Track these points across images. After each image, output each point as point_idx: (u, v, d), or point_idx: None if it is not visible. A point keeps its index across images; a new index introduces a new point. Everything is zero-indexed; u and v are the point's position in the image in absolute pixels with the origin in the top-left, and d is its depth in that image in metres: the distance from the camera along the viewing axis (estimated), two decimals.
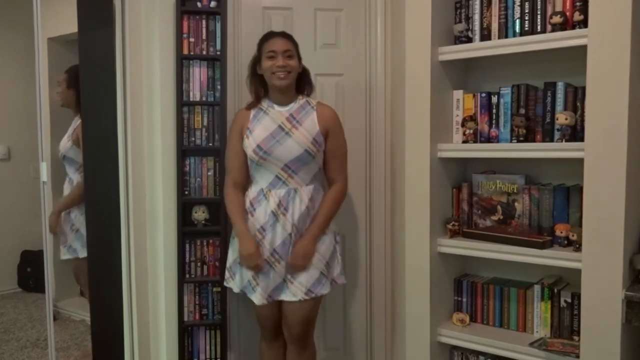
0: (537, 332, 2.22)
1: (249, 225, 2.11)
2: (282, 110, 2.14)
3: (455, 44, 2.27)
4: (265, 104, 2.17)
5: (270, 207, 2.07)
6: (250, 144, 2.10)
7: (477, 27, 2.22)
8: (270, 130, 2.09)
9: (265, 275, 2.08)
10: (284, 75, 2.06)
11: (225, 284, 2.24)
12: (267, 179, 2.10)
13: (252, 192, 2.14)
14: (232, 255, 2.18)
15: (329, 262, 2.14)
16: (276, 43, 2.08)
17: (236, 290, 2.18)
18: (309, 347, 2.23)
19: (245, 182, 2.17)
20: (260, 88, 2.18)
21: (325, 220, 2.12)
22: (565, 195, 2.11)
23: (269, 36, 2.13)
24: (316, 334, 2.32)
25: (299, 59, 2.13)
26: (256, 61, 2.15)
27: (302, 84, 2.19)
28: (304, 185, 2.11)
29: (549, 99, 2.08)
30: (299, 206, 2.08)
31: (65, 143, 2.80)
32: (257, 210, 2.10)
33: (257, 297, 2.10)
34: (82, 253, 2.80)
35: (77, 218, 2.80)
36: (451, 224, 2.32)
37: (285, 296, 2.11)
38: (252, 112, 2.16)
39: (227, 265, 2.21)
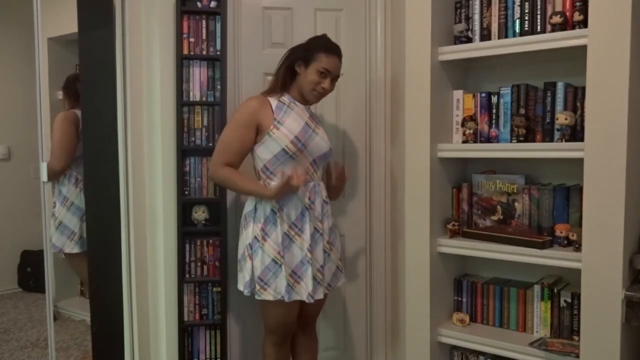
0: (537, 332, 2.22)
1: (280, 222, 2.02)
2: (304, 108, 2.14)
3: (455, 44, 2.27)
4: (286, 98, 2.11)
5: (302, 201, 2.05)
6: (285, 135, 2.01)
7: (477, 27, 2.22)
8: (302, 124, 2.06)
9: (304, 272, 2.03)
10: (321, 97, 2.10)
11: (257, 297, 2.04)
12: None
13: None
14: (263, 263, 2.03)
15: (340, 255, 2.23)
16: (333, 63, 2.05)
17: (277, 297, 2.02)
18: (315, 333, 2.35)
19: (235, 168, 2.07)
20: (288, 81, 2.12)
21: None
22: (565, 195, 2.11)
23: (329, 49, 2.05)
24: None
25: None
26: (298, 59, 2.07)
27: None
28: (320, 181, 2.16)
29: (548, 99, 2.08)
30: (320, 201, 2.11)
31: None
32: (285, 207, 2.04)
33: (303, 295, 2.03)
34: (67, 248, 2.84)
35: (60, 211, 2.82)
36: (451, 224, 2.32)
37: (319, 295, 2.07)
38: (274, 104, 2.06)
39: (255, 276, 2.05)
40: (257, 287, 2.04)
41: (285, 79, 2.11)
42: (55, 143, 2.71)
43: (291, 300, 2.03)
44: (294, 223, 2.04)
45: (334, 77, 2.08)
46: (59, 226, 2.84)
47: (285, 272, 2.01)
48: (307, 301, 2.04)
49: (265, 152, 2.04)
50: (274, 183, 2.03)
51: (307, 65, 2.05)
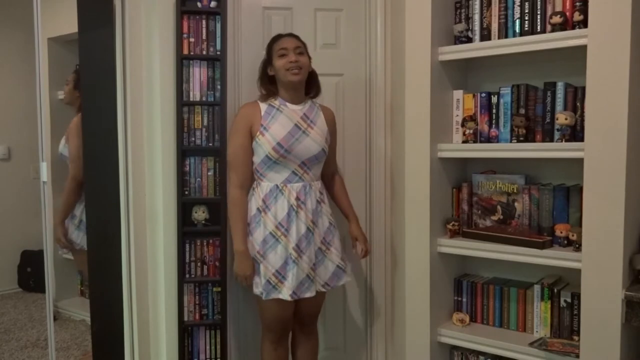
0: (537, 332, 2.22)
1: (265, 222, 2.09)
2: (296, 108, 2.16)
3: (455, 44, 2.27)
4: (277, 102, 2.16)
5: (289, 202, 2.09)
6: (268, 141, 2.08)
7: (477, 27, 2.23)
8: (288, 129, 2.10)
9: (289, 271, 2.07)
10: (297, 71, 2.10)
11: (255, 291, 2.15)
12: (282, 175, 2.11)
13: (263, 188, 2.12)
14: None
15: (342, 255, 2.24)
16: (286, 41, 2.13)
17: (256, 291, 2.12)
18: (316, 332, 2.37)
19: (250, 183, 2.17)
20: (272, 88, 2.18)
21: (352, 207, 2.35)
22: (565, 195, 2.11)
23: (277, 37, 2.18)
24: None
25: (309, 57, 2.17)
26: (267, 63, 2.18)
27: (309, 85, 2.23)
28: (314, 181, 2.18)
29: (549, 99, 2.08)
30: (313, 200, 2.13)
31: (62, 142, 2.81)
32: (273, 207, 2.09)
33: (284, 294, 2.07)
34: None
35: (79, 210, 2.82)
36: (451, 224, 2.32)
37: (310, 293, 2.10)
38: (264, 109, 2.14)
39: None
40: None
41: (267, 87, 2.18)
42: (73, 152, 2.71)
43: (269, 298, 2.08)
44: (280, 223, 2.08)
45: (296, 49, 2.11)
46: (79, 224, 2.85)
47: (267, 271, 2.07)
48: (289, 299, 2.07)
49: (255, 155, 2.14)
50: (276, 203, 2.11)
51: (272, 61, 2.14)
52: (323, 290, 2.17)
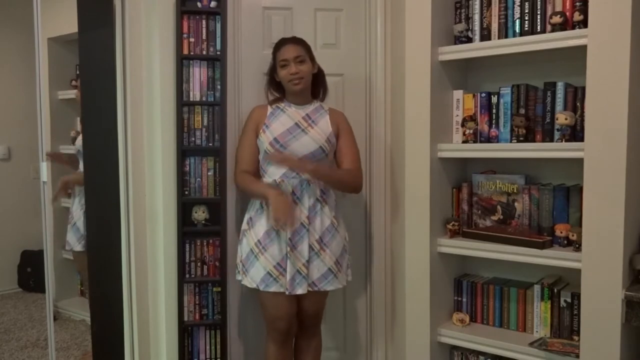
0: (537, 332, 2.23)
1: (264, 218, 2.13)
2: (299, 110, 2.22)
3: (455, 44, 2.27)
4: (282, 103, 2.24)
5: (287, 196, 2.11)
6: (267, 137, 2.17)
7: (477, 27, 2.23)
8: (287, 126, 2.17)
9: (287, 265, 2.10)
10: (298, 82, 2.16)
11: (237, 277, 2.22)
12: (280, 170, 2.15)
13: None
14: (244, 250, 2.18)
15: (339, 260, 2.20)
16: (287, 51, 2.15)
17: (252, 285, 2.14)
18: (318, 334, 2.36)
19: (254, 174, 2.22)
20: (279, 93, 2.26)
21: (332, 173, 2.20)
22: (565, 195, 2.11)
23: (280, 44, 2.19)
24: None
25: (312, 60, 2.20)
26: (273, 69, 2.23)
27: (316, 86, 2.26)
28: (315, 179, 2.17)
29: (548, 99, 2.09)
30: (311, 198, 2.14)
31: (80, 139, 2.81)
32: None
33: (282, 287, 2.10)
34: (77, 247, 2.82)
35: (76, 212, 2.81)
36: (451, 224, 2.32)
37: (302, 290, 2.11)
38: (269, 110, 2.23)
39: (238, 260, 2.22)
40: (240, 271, 2.21)
41: (275, 93, 2.26)
42: None
43: (268, 290, 2.10)
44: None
45: (296, 59, 2.14)
46: (73, 226, 2.85)
47: (268, 263, 2.10)
48: (286, 293, 2.10)
49: (259, 154, 2.21)
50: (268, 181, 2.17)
51: (276, 69, 2.20)
52: (310, 289, 2.13)
